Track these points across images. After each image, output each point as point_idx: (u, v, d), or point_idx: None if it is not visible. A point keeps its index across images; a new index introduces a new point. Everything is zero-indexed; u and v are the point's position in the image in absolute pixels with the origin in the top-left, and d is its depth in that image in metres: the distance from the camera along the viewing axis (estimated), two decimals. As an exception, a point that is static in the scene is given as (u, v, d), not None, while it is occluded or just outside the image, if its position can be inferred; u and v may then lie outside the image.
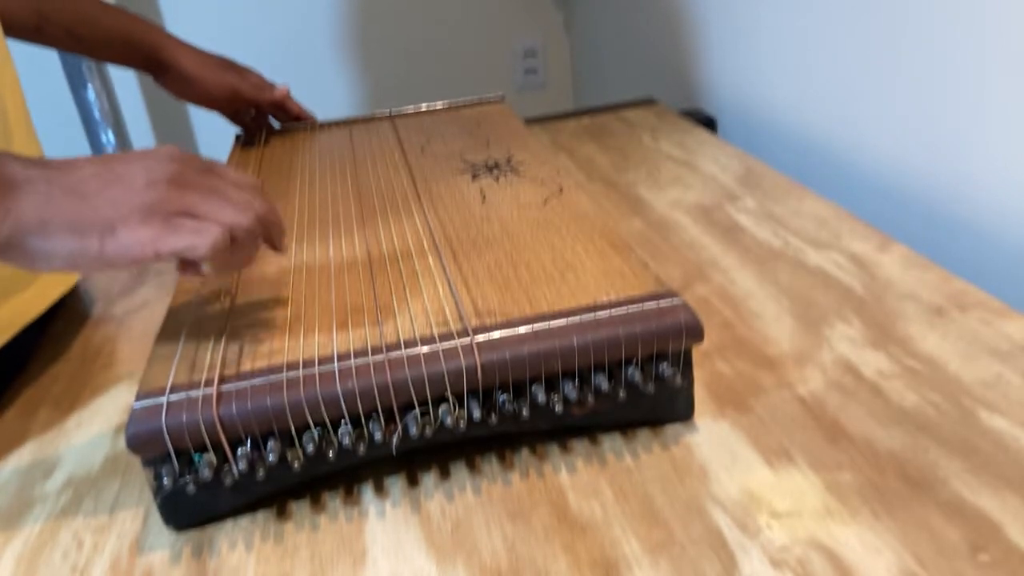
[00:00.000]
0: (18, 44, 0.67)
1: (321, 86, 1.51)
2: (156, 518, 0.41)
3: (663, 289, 0.44)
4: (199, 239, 0.39)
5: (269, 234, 0.44)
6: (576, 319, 0.42)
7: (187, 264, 0.41)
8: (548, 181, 0.61)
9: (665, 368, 0.42)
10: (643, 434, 0.44)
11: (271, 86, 0.80)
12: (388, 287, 0.48)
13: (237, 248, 0.41)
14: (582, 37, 1.67)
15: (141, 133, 1.61)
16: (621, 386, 0.42)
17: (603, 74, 1.59)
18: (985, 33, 0.62)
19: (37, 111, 0.64)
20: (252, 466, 0.39)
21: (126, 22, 0.74)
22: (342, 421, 0.40)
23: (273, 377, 0.40)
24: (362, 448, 0.40)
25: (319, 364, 0.40)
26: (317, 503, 0.42)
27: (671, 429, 0.44)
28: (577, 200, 0.56)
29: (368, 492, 0.43)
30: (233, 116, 0.81)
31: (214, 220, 0.39)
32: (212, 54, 0.79)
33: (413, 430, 0.40)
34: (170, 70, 0.76)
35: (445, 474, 0.43)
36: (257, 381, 0.40)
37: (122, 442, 0.45)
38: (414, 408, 0.40)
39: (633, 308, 0.42)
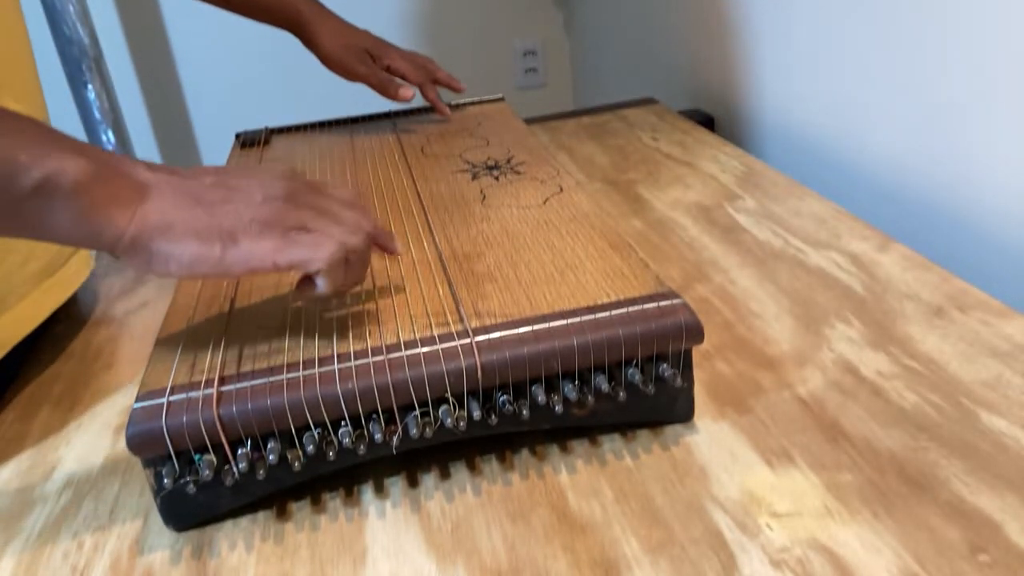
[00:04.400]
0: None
1: (321, 85, 1.51)
2: (156, 518, 0.41)
3: (663, 290, 0.44)
4: (316, 252, 0.40)
5: (380, 243, 0.46)
6: (576, 319, 0.42)
7: (304, 281, 0.42)
8: (548, 181, 0.61)
9: (665, 369, 0.42)
10: (643, 434, 0.44)
11: (396, 87, 0.80)
12: (388, 287, 0.48)
13: (348, 266, 0.43)
14: (582, 37, 1.67)
15: (141, 133, 1.61)
16: (621, 387, 0.42)
17: (603, 74, 1.59)
18: (985, 33, 0.62)
19: (37, 111, 0.64)
20: (252, 466, 0.39)
21: None
22: (342, 421, 0.40)
23: (273, 378, 0.40)
24: (362, 448, 0.40)
25: (319, 365, 0.40)
26: (317, 503, 0.42)
27: (671, 429, 0.44)
28: (577, 200, 0.56)
29: (368, 492, 0.43)
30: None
31: (328, 235, 0.41)
32: (355, 34, 0.82)
33: (413, 430, 0.40)
34: (309, 46, 0.82)
35: (445, 474, 0.43)
36: (257, 382, 0.40)
37: (122, 442, 0.45)
38: (414, 409, 0.40)
39: (633, 309, 0.42)
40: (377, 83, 0.80)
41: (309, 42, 0.82)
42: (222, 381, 0.40)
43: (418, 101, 0.84)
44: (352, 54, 0.81)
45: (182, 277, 0.41)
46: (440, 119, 0.82)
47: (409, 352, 0.40)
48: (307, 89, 1.61)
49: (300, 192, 0.42)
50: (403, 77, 0.82)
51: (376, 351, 0.41)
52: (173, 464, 0.39)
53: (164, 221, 0.38)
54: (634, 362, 0.42)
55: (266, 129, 0.83)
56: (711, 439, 0.43)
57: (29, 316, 0.58)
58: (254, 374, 0.40)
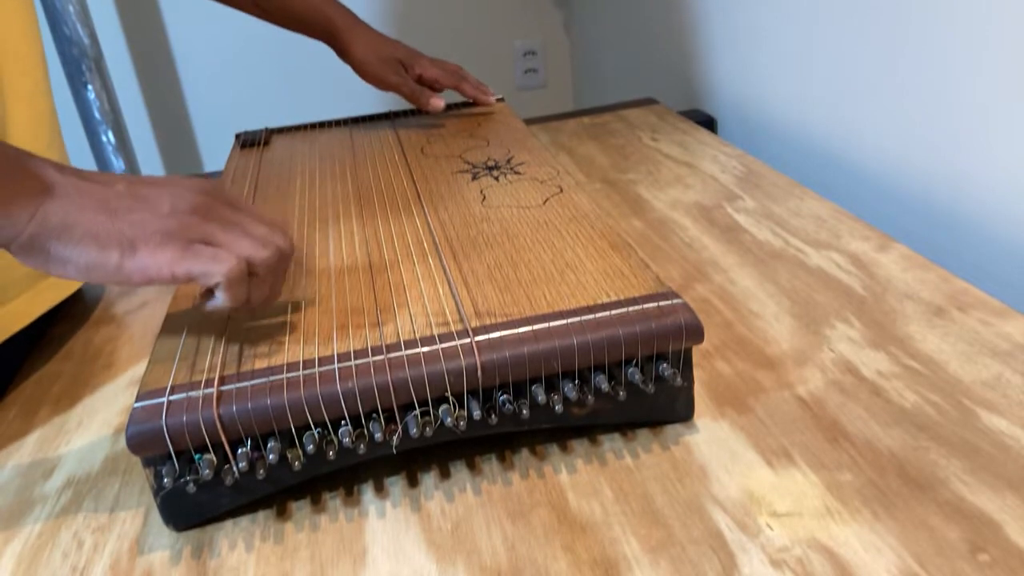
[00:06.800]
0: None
1: (322, 85, 1.51)
2: (156, 518, 0.41)
3: (663, 289, 0.44)
4: (215, 266, 0.40)
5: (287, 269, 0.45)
6: (576, 319, 0.42)
7: (205, 292, 0.42)
8: (548, 181, 0.61)
9: (665, 368, 0.42)
10: (643, 434, 0.44)
11: (427, 97, 0.81)
12: (388, 287, 0.48)
13: (256, 282, 0.42)
14: (582, 37, 1.67)
15: (141, 133, 1.62)
16: (621, 386, 0.42)
17: (603, 74, 1.59)
18: (985, 33, 0.62)
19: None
20: (252, 466, 0.39)
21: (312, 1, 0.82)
22: (342, 421, 0.40)
23: (273, 377, 0.40)
24: (362, 448, 0.40)
25: (319, 364, 0.40)
26: (317, 503, 0.42)
27: (671, 429, 0.44)
28: (577, 200, 0.56)
29: (368, 492, 0.43)
30: None
31: (232, 250, 0.41)
32: (387, 45, 0.83)
33: (413, 430, 0.40)
34: (343, 56, 0.84)
35: (445, 474, 0.43)
36: (257, 381, 0.40)
37: (122, 442, 0.45)
38: (414, 408, 0.40)
39: (633, 308, 0.42)
40: (409, 93, 0.81)
41: (343, 52, 0.83)
42: (222, 381, 0.40)
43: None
44: (386, 64, 0.82)
45: (80, 280, 0.40)
46: (438, 119, 0.82)
47: (409, 352, 0.40)
48: (307, 89, 1.61)
49: (211, 206, 0.42)
50: (435, 83, 0.83)
51: (376, 351, 0.41)
52: (173, 464, 0.39)
53: (65, 223, 0.38)
54: (634, 362, 0.42)
55: (266, 129, 0.83)
56: (711, 439, 0.43)
57: (26, 312, 0.58)
58: (254, 374, 0.40)
